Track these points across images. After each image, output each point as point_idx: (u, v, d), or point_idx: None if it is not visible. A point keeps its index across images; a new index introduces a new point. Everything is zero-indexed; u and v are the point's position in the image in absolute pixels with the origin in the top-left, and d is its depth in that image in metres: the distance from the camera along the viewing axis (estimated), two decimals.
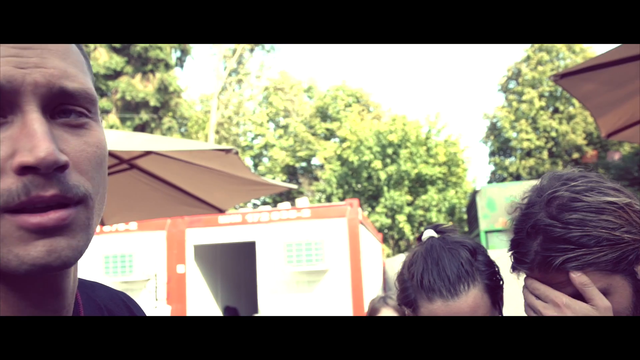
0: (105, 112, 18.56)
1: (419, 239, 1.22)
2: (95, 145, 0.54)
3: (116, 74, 17.97)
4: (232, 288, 9.10)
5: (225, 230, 7.63)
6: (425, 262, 1.12)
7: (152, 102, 17.92)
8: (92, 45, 17.78)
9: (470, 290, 1.07)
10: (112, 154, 3.60)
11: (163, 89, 18.33)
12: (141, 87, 17.96)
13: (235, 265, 9.27)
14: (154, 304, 7.32)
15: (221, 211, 4.44)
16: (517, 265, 1.00)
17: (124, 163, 3.54)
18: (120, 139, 2.84)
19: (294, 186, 3.62)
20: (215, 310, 8.34)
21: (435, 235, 1.20)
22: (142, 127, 18.30)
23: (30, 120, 0.48)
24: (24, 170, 0.47)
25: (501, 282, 1.15)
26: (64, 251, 0.49)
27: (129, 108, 18.07)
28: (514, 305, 1.27)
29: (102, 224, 4.46)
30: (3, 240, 0.47)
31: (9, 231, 0.47)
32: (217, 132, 24.18)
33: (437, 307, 1.06)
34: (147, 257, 7.54)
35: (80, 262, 0.56)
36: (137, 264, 7.48)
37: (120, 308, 0.72)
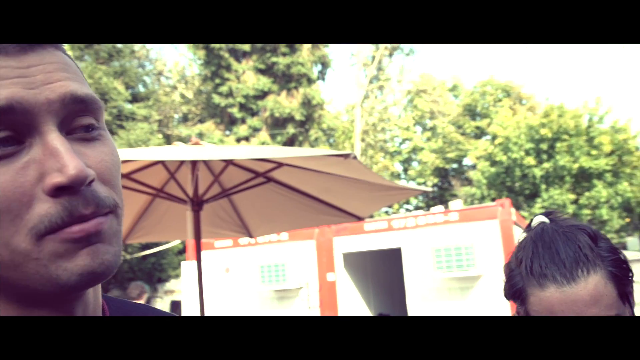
0: (256, 130, 19.85)
1: (528, 226, 1.06)
2: (111, 153, 0.53)
3: (264, 94, 19.16)
4: (385, 295, 9.02)
5: (372, 238, 7.60)
6: (535, 246, 0.98)
7: (298, 117, 18.75)
8: (240, 69, 19.26)
9: (591, 275, 0.91)
10: (247, 168, 3.75)
11: (307, 103, 19.09)
12: (287, 104, 18.90)
13: (385, 271, 9.19)
14: (307, 311, 7.53)
15: (360, 219, 4.39)
16: None
17: (260, 176, 3.65)
18: (247, 153, 2.92)
19: (428, 189, 3.43)
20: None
21: (547, 221, 1.04)
22: (290, 141, 19.25)
23: (51, 141, 0.47)
24: (57, 191, 0.47)
25: (630, 275, 0.95)
26: (105, 256, 0.50)
27: (277, 124, 19.10)
28: None
29: (250, 236, 4.68)
30: (51, 259, 0.48)
31: (55, 249, 0.48)
32: (363, 139, 24.47)
33: (549, 294, 0.92)
34: (299, 266, 7.80)
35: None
36: (289, 272, 7.77)
37: None
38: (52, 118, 0.48)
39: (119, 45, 16.39)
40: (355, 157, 2.30)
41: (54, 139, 0.47)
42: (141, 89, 18.77)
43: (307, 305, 7.57)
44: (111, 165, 0.52)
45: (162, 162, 3.43)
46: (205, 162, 3.77)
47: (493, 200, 17.76)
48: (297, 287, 7.70)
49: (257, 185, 3.86)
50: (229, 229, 4.61)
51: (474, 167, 23.55)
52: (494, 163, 18.83)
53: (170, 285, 16.88)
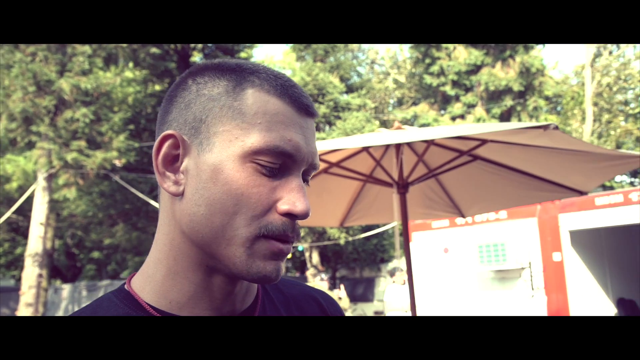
0: (471, 106, 19.13)
1: None
2: None
3: (477, 68, 18.34)
4: (626, 278, 7.96)
5: (606, 213, 6.77)
6: None
7: (515, 87, 17.49)
8: (450, 46, 18.76)
9: None
10: (450, 148, 3.71)
11: (525, 72, 17.66)
12: (502, 75, 17.78)
13: (627, 251, 8.09)
14: (531, 293, 7.10)
15: (582, 193, 3.99)
16: None
17: (465, 155, 3.59)
18: (445, 132, 2.91)
19: None
20: (605, 302, 7.47)
21: None
22: (507, 114, 18.09)
23: (296, 181, 0.67)
24: (287, 214, 0.65)
25: None
26: (280, 272, 0.67)
27: (493, 97, 18.10)
28: None
29: (462, 215, 4.62)
30: (253, 254, 0.65)
31: (260, 249, 0.65)
32: (596, 104, 21.69)
33: None
34: (520, 245, 7.38)
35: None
36: (510, 252, 7.41)
37: (310, 304, 0.83)
38: (301, 168, 0.68)
39: None
40: (556, 128, 2.11)
41: (298, 181, 0.67)
42: (356, 79, 19.67)
43: (530, 287, 7.14)
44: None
45: (367, 149, 3.62)
46: (408, 145, 3.86)
47: None
48: (519, 267, 7.30)
49: (464, 164, 3.81)
50: (440, 209, 4.63)
51: None
52: None
53: (392, 265, 17.50)
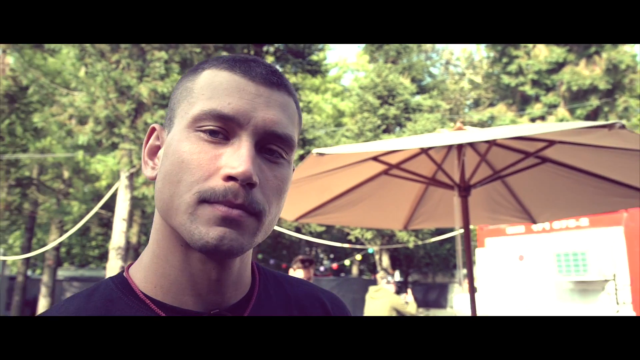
0: (553, 106, 18.11)
1: None
2: (280, 179, 0.69)
3: (559, 66, 17.32)
4: None
5: None
6: None
7: (602, 86, 16.33)
8: (530, 45, 17.84)
9: None
10: (515, 149, 3.49)
11: (612, 69, 16.45)
12: (587, 73, 16.68)
13: None
14: (616, 308, 6.56)
15: None
16: None
17: (531, 156, 3.36)
18: (506, 132, 2.72)
19: None
20: None
21: None
22: (594, 114, 16.94)
23: (242, 146, 0.65)
24: (228, 178, 0.63)
25: None
26: (231, 242, 0.63)
27: (577, 97, 17.01)
28: None
29: (533, 221, 4.35)
30: (197, 219, 0.64)
31: (203, 215, 0.63)
32: None
33: None
34: (603, 256, 6.85)
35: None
36: (591, 262, 6.89)
37: (314, 305, 0.82)
38: (253, 135, 0.66)
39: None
40: (622, 127, 1.88)
41: (245, 146, 0.64)
42: (428, 80, 19.24)
43: (615, 301, 6.60)
44: (275, 186, 0.68)
45: (426, 152, 3.48)
46: (472, 146, 3.67)
47: None
48: (602, 279, 6.77)
49: (532, 167, 3.57)
50: (508, 214, 4.38)
51: None
52: None
53: (465, 271, 16.94)
